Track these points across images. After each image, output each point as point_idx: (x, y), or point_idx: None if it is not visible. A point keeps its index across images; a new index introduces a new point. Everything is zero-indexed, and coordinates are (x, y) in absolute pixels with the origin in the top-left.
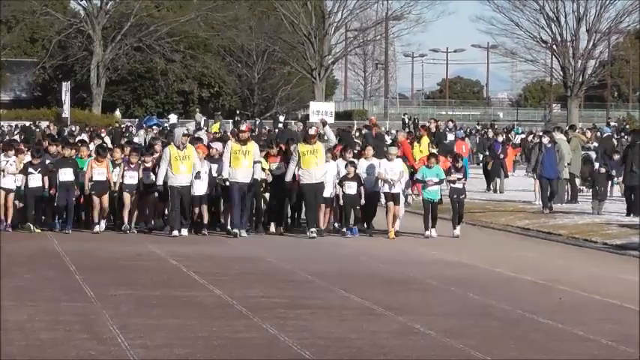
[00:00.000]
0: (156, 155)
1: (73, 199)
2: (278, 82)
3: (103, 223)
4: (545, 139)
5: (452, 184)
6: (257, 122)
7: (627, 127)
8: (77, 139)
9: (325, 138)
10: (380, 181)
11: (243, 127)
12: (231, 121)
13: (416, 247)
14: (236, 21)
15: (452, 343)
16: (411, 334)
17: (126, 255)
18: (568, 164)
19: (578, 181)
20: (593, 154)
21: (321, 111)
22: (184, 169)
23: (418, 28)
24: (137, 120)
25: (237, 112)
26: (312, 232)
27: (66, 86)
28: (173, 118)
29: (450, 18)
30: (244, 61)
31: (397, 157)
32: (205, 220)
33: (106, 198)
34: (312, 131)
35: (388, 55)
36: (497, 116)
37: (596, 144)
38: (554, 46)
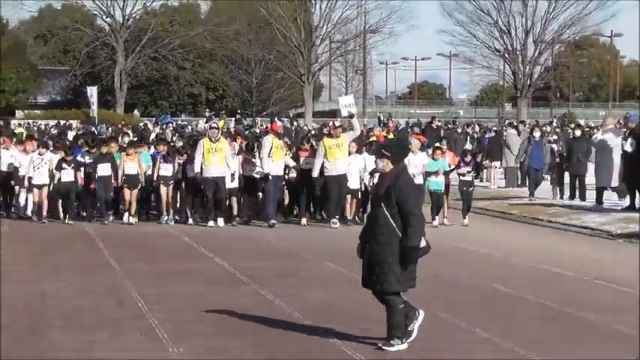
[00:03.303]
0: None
1: (111, 193)
2: (273, 86)
3: (130, 216)
4: (536, 133)
5: (461, 177)
6: (256, 120)
7: (566, 121)
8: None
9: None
10: None
11: (278, 123)
12: (233, 119)
13: None
14: (237, 34)
15: (423, 306)
16: None
17: (145, 234)
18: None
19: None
20: (554, 147)
21: (347, 104)
22: (216, 160)
23: (391, 40)
24: (154, 118)
25: (239, 111)
26: (334, 222)
27: (92, 90)
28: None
29: (417, 31)
30: (244, 68)
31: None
32: (235, 212)
33: (135, 192)
34: (337, 122)
35: (366, 62)
36: (458, 114)
37: (555, 137)
38: (506, 55)
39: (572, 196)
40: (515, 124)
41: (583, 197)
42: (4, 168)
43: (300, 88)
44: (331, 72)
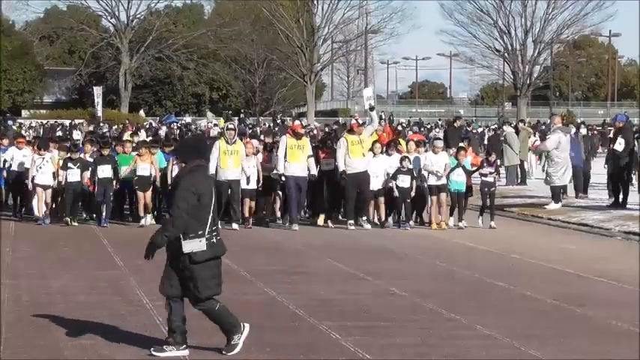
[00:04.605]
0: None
1: (111, 194)
2: (275, 86)
3: (149, 217)
4: (583, 130)
5: (483, 178)
6: (259, 119)
7: (564, 121)
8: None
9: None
10: (426, 173)
11: (297, 122)
12: (236, 118)
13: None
14: (240, 35)
15: (422, 302)
16: (388, 295)
17: (149, 231)
18: (519, 152)
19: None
20: None
21: (368, 96)
22: (231, 163)
23: (392, 40)
24: (158, 118)
25: (242, 110)
26: (350, 224)
27: (98, 90)
28: (188, 118)
29: (418, 31)
30: (247, 68)
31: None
32: (250, 213)
33: (149, 193)
34: (360, 120)
35: (367, 62)
36: (458, 113)
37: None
38: (505, 54)
39: (577, 194)
40: (514, 123)
41: (585, 193)
42: (16, 167)
43: (303, 87)
44: (333, 72)
